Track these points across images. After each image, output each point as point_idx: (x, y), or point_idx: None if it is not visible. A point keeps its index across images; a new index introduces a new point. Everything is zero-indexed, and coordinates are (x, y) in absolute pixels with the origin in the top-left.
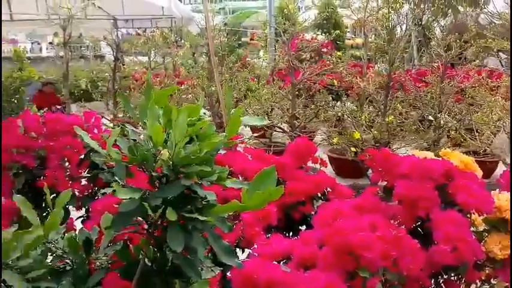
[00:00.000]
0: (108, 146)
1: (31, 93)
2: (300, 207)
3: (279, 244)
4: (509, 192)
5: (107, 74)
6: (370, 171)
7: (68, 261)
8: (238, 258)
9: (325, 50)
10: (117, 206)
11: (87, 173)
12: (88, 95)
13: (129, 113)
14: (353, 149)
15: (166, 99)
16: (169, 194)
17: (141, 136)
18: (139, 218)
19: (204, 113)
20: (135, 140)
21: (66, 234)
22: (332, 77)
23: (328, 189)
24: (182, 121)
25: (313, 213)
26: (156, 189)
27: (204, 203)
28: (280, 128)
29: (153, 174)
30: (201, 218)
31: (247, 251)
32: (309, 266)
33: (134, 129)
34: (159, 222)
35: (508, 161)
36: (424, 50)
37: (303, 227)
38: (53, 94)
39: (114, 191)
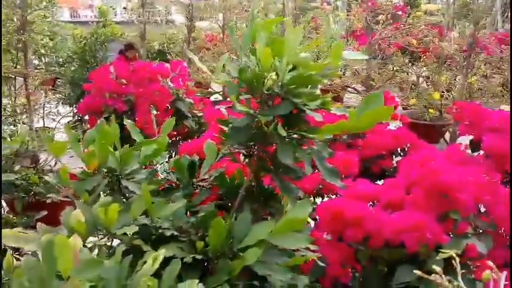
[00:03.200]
0: (218, 69)
1: (113, 49)
2: (379, 161)
3: (365, 187)
4: None
5: (180, 37)
6: (446, 135)
7: (173, 183)
8: (342, 181)
9: (399, 13)
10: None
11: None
12: (162, 55)
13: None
14: (431, 110)
15: (271, 29)
16: (279, 112)
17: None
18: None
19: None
20: None
21: (172, 159)
22: (409, 38)
23: (408, 145)
24: (293, 41)
25: (391, 169)
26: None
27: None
28: (354, 88)
29: (264, 92)
30: (310, 135)
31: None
32: (396, 209)
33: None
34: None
35: None
36: (507, 16)
37: (381, 182)
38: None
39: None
